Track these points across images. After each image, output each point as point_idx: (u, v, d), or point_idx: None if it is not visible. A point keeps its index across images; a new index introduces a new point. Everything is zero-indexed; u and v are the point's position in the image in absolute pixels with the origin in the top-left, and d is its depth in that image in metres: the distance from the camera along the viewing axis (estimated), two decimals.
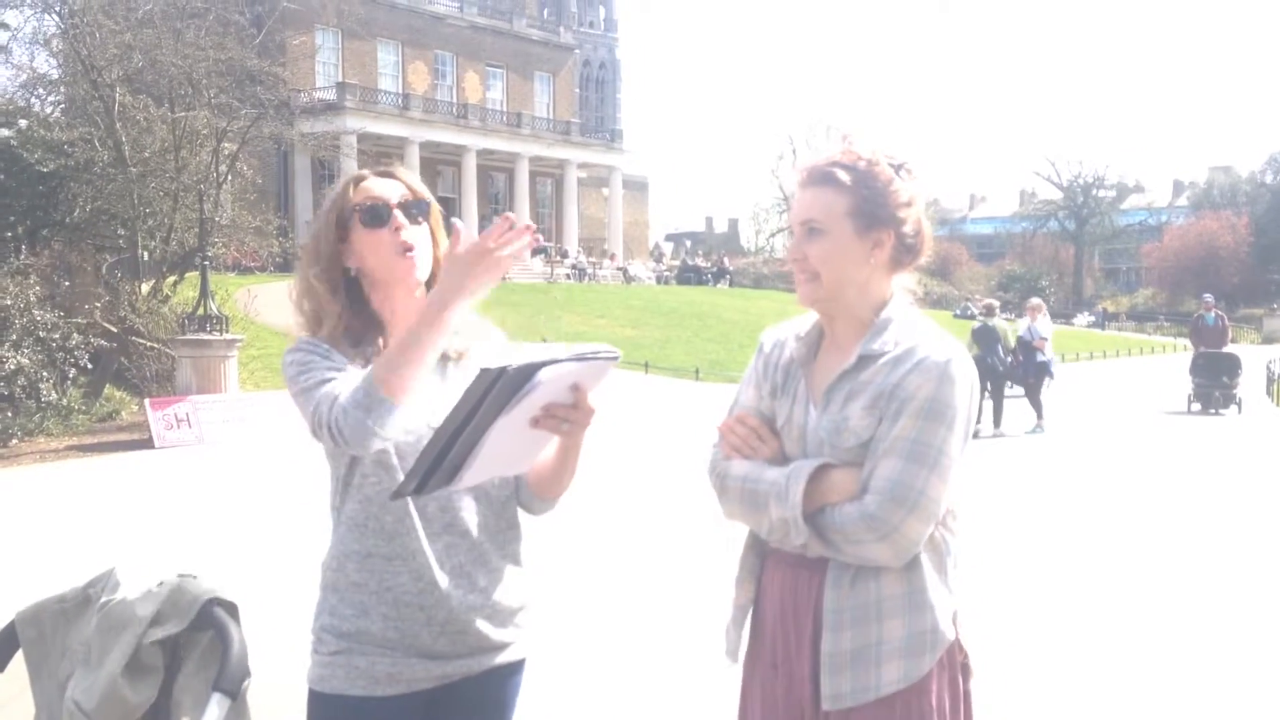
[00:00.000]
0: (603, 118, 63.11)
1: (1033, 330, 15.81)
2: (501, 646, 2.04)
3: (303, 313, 2.07)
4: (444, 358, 2.04)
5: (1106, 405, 17.84)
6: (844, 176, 1.97)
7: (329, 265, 2.03)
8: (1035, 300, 17.53)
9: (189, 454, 13.79)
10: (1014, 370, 15.56)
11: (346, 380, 1.89)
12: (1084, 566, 7.15)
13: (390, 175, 2.10)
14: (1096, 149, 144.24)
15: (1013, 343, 15.51)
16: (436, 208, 2.11)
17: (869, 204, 1.97)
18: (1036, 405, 15.45)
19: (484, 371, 1.66)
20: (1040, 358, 15.57)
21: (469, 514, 2.01)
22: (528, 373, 1.69)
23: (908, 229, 2.00)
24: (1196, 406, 18.28)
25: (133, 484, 11.41)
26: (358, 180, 2.07)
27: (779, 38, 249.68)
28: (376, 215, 2.02)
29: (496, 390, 1.68)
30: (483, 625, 2.00)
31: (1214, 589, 6.54)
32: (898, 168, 2.00)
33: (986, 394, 14.80)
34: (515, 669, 2.09)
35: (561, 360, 1.72)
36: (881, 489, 1.87)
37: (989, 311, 16.14)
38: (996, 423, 15.27)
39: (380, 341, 2.03)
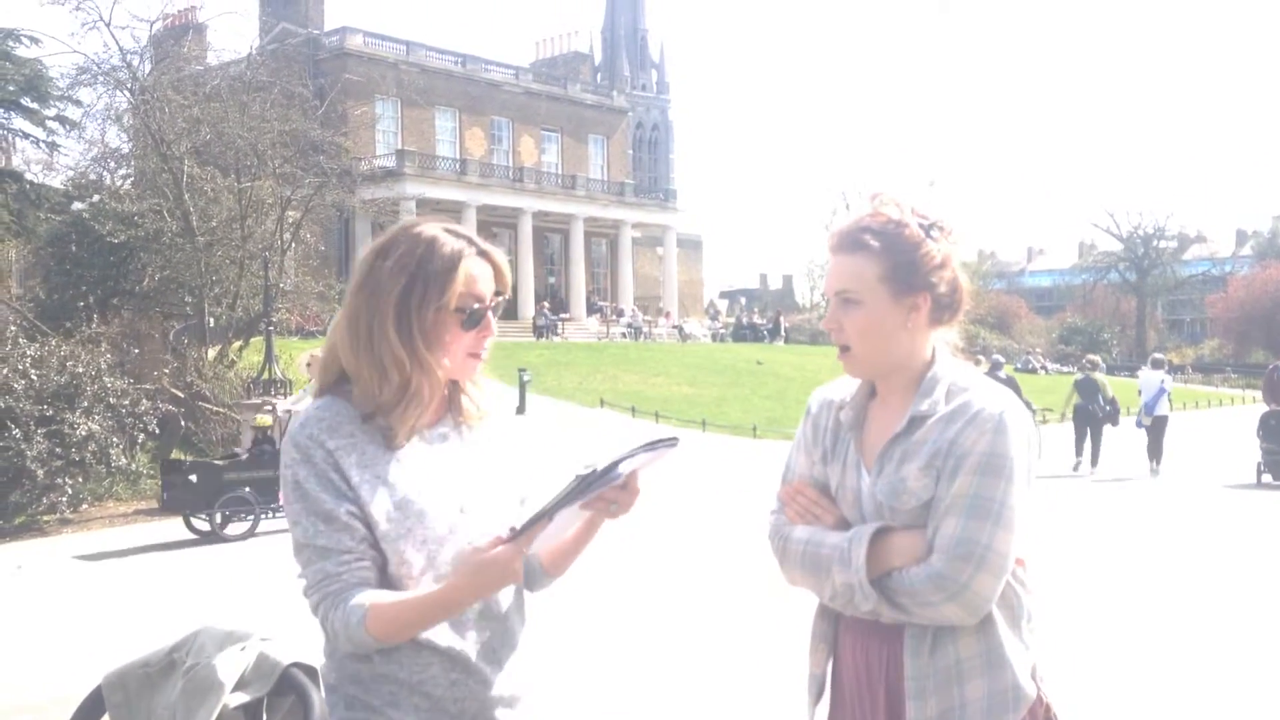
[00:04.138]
0: (656, 178, 63.74)
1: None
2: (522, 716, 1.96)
3: (377, 371, 1.82)
4: (458, 423, 1.96)
5: (1164, 476, 16.29)
6: (873, 241, 1.94)
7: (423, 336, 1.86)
8: (1159, 356, 19.19)
9: None
10: (1111, 416, 17.17)
11: (342, 570, 1.79)
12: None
13: (487, 258, 1.91)
14: (1156, 199, 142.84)
15: (1110, 393, 17.26)
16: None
17: (901, 269, 1.93)
18: (1159, 451, 16.85)
19: (580, 479, 1.71)
20: (1161, 411, 17.12)
21: (504, 595, 1.93)
22: (610, 469, 1.73)
23: (943, 290, 1.97)
24: (1268, 477, 15.44)
25: (201, 547, 11.56)
26: (459, 260, 1.87)
27: (829, 94, 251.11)
28: (475, 320, 1.88)
29: (581, 488, 1.73)
30: (506, 705, 1.92)
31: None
32: (928, 227, 1.96)
33: (1088, 437, 17.15)
34: None
35: (635, 454, 1.75)
36: (946, 547, 1.84)
37: (1093, 366, 18.30)
38: (1094, 462, 17.04)
39: (404, 419, 1.86)
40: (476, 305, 1.87)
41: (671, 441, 1.80)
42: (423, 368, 1.84)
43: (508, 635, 1.93)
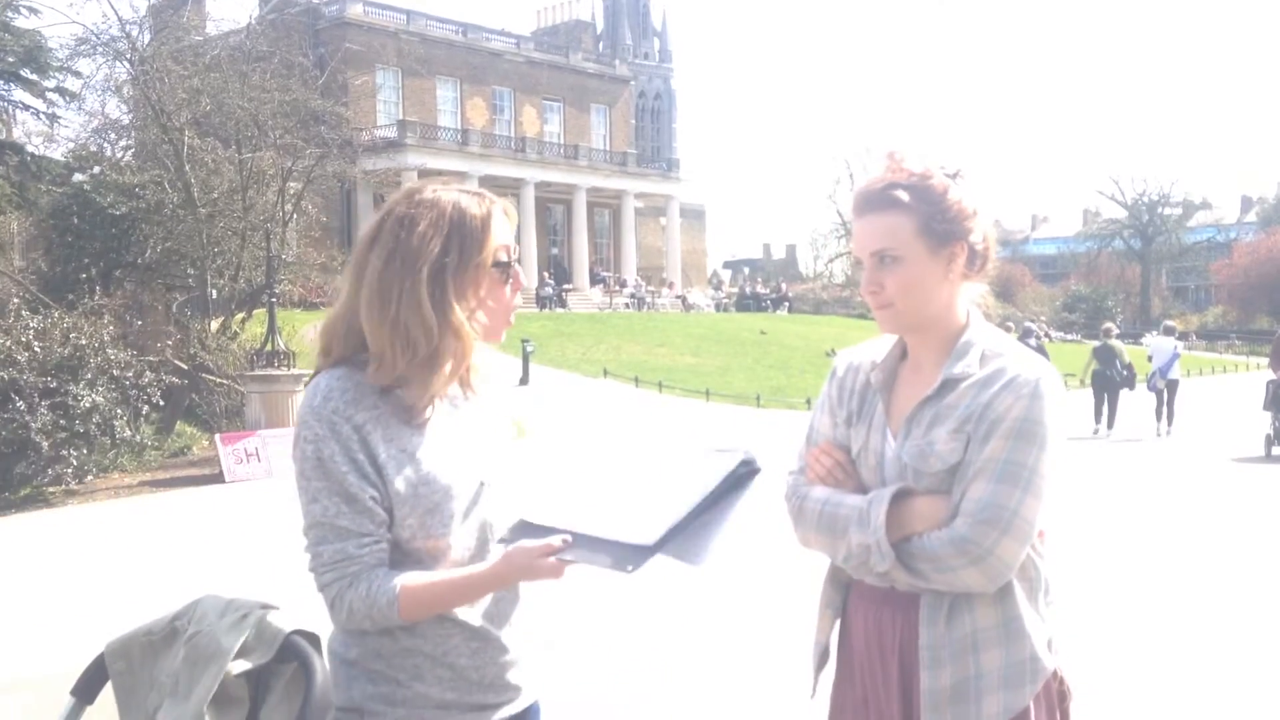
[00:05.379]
0: (659, 147, 63.41)
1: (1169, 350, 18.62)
2: (524, 686, 1.96)
3: (402, 342, 1.79)
4: (465, 390, 1.96)
5: (1168, 447, 16.17)
6: (904, 196, 1.89)
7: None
8: (1170, 324, 20.45)
9: (259, 488, 13.99)
10: (1128, 381, 17.99)
11: (363, 553, 1.79)
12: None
13: (505, 212, 1.93)
14: (1161, 166, 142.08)
15: (1127, 359, 18.09)
16: None
17: (936, 220, 1.89)
18: (1171, 413, 18.24)
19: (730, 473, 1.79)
20: (1173, 375, 18.46)
21: None
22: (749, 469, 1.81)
23: (976, 238, 1.93)
24: (1278, 450, 14.83)
25: (205, 518, 11.60)
26: (490, 216, 1.88)
27: (832, 62, 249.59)
28: (509, 273, 1.91)
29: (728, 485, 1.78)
30: (518, 663, 1.94)
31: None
32: (952, 176, 1.92)
33: (1105, 402, 18.03)
34: (536, 708, 2.01)
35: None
36: (972, 511, 1.80)
37: (1108, 333, 19.00)
38: (1110, 424, 17.95)
39: (427, 390, 1.85)
40: (506, 259, 1.90)
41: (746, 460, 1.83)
42: (455, 333, 1.82)
43: (513, 591, 1.94)
